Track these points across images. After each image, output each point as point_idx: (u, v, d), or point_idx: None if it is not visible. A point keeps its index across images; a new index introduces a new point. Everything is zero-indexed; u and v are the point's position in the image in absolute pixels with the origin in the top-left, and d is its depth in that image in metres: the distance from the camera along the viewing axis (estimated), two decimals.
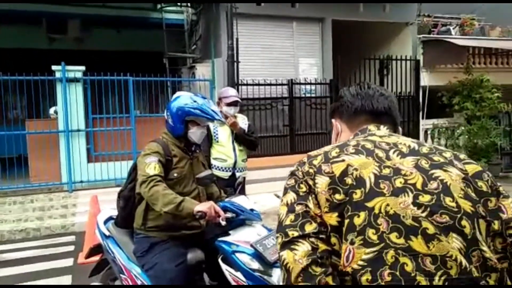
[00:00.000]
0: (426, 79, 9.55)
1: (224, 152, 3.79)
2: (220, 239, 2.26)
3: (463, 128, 9.02)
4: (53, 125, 6.89)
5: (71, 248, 5.28)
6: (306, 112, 8.46)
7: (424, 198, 0.93)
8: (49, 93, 6.89)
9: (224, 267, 2.20)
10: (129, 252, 2.48)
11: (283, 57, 8.57)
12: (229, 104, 3.84)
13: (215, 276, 2.38)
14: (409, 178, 0.96)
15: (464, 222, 0.91)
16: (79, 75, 6.92)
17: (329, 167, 1.00)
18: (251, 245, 2.16)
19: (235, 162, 3.81)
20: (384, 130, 1.13)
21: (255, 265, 2.12)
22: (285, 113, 8.34)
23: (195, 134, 2.49)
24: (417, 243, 0.88)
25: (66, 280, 4.18)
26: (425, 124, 9.61)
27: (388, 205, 0.92)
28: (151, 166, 2.27)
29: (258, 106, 8.07)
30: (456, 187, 0.95)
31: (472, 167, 1.01)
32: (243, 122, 3.96)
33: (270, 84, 8.10)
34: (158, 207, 2.17)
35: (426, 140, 9.59)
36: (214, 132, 3.80)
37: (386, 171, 0.98)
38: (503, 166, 9.38)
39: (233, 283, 2.14)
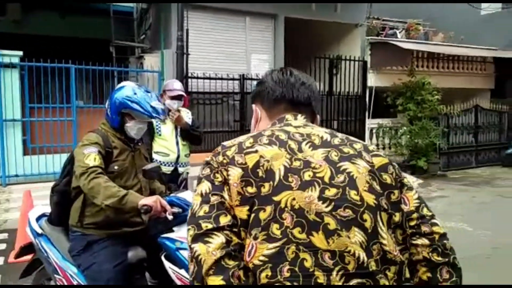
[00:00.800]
0: (373, 80, 9.88)
1: (167, 146, 3.67)
2: (163, 235, 2.13)
3: (405, 128, 9.44)
4: None
5: (2, 246, 4.92)
6: None
7: (330, 192, 0.93)
8: None
9: (167, 264, 2.10)
10: (64, 251, 2.31)
11: (235, 51, 8.49)
12: (173, 98, 3.73)
13: (158, 274, 2.26)
14: (318, 171, 0.96)
15: (365, 216, 0.92)
16: (15, 60, 6.43)
17: (243, 158, 0.97)
18: None
19: (178, 157, 3.71)
20: (300, 120, 1.11)
21: None
22: (236, 108, 8.28)
23: (132, 128, 2.34)
24: (318, 239, 0.88)
25: None
26: (370, 123, 9.95)
27: (294, 199, 0.91)
28: (90, 157, 2.12)
29: (209, 100, 7.95)
30: (362, 180, 0.96)
31: (379, 160, 1.03)
32: (187, 116, 3.87)
33: (221, 79, 8.00)
34: (99, 201, 2.03)
35: (371, 139, 9.96)
36: (157, 125, 3.66)
37: (296, 164, 0.96)
38: (441, 165, 9.95)
39: (177, 281, 2.04)
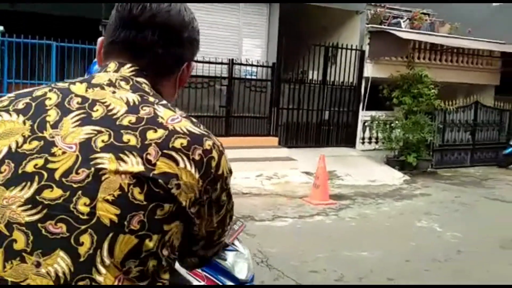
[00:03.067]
0: (369, 70, 9.60)
1: None
2: None
3: (397, 122, 9.19)
4: None
5: None
6: (245, 94, 8.31)
7: (52, 194, 0.66)
8: None
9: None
10: None
11: (226, 35, 8.32)
12: None
13: None
14: (55, 160, 0.68)
15: (85, 238, 0.65)
16: None
17: None
18: None
19: None
20: (118, 73, 0.79)
21: None
22: (222, 93, 8.15)
23: None
24: None
25: None
26: (364, 115, 9.72)
27: None
28: None
29: (194, 84, 7.82)
30: (114, 184, 0.67)
31: (167, 165, 0.69)
32: None
33: (209, 62, 7.84)
34: None
35: (364, 132, 9.74)
36: None
37: (30, 146, 0.69)
38: (434, 162, 9.69)
39: (181, 268, 1.86)
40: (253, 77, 8.46)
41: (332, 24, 10.03)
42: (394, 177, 8.34)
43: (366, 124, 9.75)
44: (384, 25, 10.25)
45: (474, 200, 6.70)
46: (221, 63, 8.00)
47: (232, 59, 8.08)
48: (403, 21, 10.76)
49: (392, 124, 9.33)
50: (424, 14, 11.76)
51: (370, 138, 9.82)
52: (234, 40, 8.41)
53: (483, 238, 4.53)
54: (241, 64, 8.20)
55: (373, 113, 9.77)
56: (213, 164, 0.75)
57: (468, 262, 3.94)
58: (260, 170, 7.63)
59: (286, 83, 8.94)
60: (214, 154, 0.76)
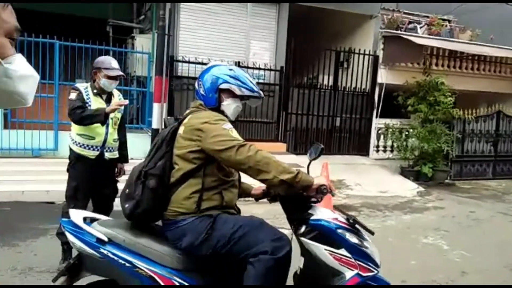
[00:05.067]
0: (383, 76, 9.22)
1: (93, 128, 3.37)
2: (313, 217, 2.03)
3: (411, 130, 8.75)
4: None
5: None
6: None
7: None
8: None
9: (321, 247, 1.98)
10: (158, 254, 1.95)
11: (234, 37, 8.12)
12: (111, 78, 3.43)
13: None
14: None
15: None
16: None
17: None
18: (353, 220, 2.03)
19: (105, 141, 3.41)
20: None
21: (355, 239, 2.01)
22: None
23: (229, 107, 2.12)
24: None
25: None
26: (378, 123, 9.32)
27: None
28: (235, 132, 1.95)
29: None
30: None
31: None
32: (119, 98, 3.57)
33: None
34: (271, 175, 1.83)
35: (378, 140, 9.33)
36: (87, 102, 3.38)
37: None
38: (452, 173, 9.18)
39: (334, 261, 1.98)
40: (261, 81, 8.21)
41: (345, 28, 9.72)
42: (407, 188, 7.89)
43: (380, 131, 9.35)
44: (401, 31, 9.87)
45: (490, 216, 6.20)
46: None
47: (239, 62, 7.86)
48: (420, 27, 10.33)
49: (407, 133, 8.90)
50: (444, 20, 11.31)
51: (384, 147, 9.41)
52: (242, 43, 8.20)
53: (491, 259, 4.10)
54: (247, 67, 7.96)
55: (388, 120, 9.37)
56: None
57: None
58: None
59: (296, 88, 8.67)
60: None
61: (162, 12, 6.14)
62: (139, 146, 6.98)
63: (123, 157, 3.66)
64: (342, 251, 1.99)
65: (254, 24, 8.25)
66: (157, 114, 6.15)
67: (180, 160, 1.98)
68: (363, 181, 7.93)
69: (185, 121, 2.04)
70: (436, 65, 9.65)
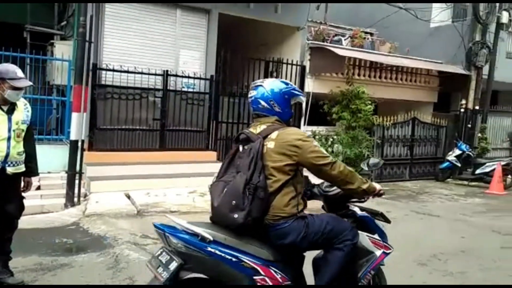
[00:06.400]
0: (310, 86, 9.63)
1: None
2: (358, 213, 2.76)
3: (336, 136, 9.23)
4: None
5: None
6: (181, 107, 8.02)
7: None
8: None
9: (364, 233, 2.67)
10: (256, 249, 2.31)
11: (162, 45, 8.02)
12: (17, 88, 3.24)
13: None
14: None
15: None
16: None
17: None
18: (381, 213, 2.90)
19: (7, 155, 3.21)
20: None
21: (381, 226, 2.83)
22: (156, 106, 7.82)
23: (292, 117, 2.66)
24: None
25: None
26: (306, 130, 9.68)
27: None
28: (323, 149, 2.40)
29: (125, 95, 7.45)
30: None
31: None
32: (25, 109, 3.38)
33: (141, 73, 7.51)
34: (355, 185, 2.37)
35: None
36: None
37: None
38: (373, 176, 9.76)
39: (370, 243, 2.67)
40: (191, 90, 8.20)
41: (274, 39, 10.03)
42: None
43: None
44: (327, 42, 10.39)
45: (404, 215, 6.72)
46: (155, 74, 7.70)
47: (167, 71, 7.79)
48: (345, 39, 10.98)
49: (332, 139, 9.36)
50: (366, 33, 12.10)
51: None
52: (171, 51, 8.13)
53: (403, 254, 4.45)
54: (176, 75, 7.92)
55: (315, 128, 9.78)
56: None
57: None
58: (194, 187, 7.32)
59: (226, 97, 8.76)
60: None
61: (82, 18, 5.92)
62: (58, 158, 6.69)
63: (31, 171, 3.47)
64: (376, 236, 2.73)
65: (183, 33, 8.23)
66: (76, 124, 5.90)
67: (276, 172, 2.32)
68: None
69: (273, 136, 2.36)
70: (358, 75, 10.28)
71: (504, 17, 11.23)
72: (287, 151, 2.31)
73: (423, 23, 11.77)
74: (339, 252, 2.40)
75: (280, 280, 2.31)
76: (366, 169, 3.03)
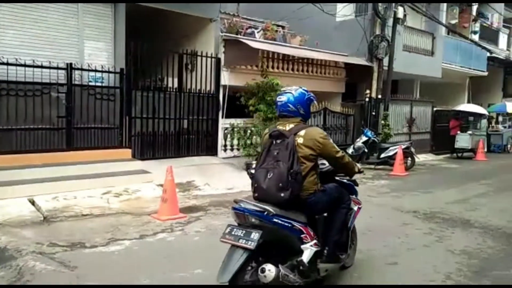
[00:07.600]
0: (226, 78, 9.63)
1: None
2: (347, 181, 3.83)
3: (253, 128, 9.37)
4: None
5: None
6: (89, 103, 7.50)
7: None
8: None
9: None
10: (296, 216, 3.12)
11: (63, 36, 7.39)
12: None
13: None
14: None
15: None
16: None
17: None
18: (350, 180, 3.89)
19: None
20: None
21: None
22: (61, 102, 7.21)
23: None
24: None
25: None
26: (224, 123, 9.70)
27: None
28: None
29: (23, 91, 6.75)
30: None
31: None
32: None
33: (40, 67, 6.85)
34: (355, 168, 3.49)
35: (225, 139, 9.71)
36: None
37: None
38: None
39: (353, 203, 3.80)
40: (99, 84, 7.69)
41: (188, 30, 9.83)
42: (251, 183, 8.40)
43: (226, 131, 9.74)
44: (241, 35, 10.45)
45: None
46: (57, 68, 7.07)
47: (71, 64, 7.21)
48: (257, 32, 11.14)
49: (250, 131, 9.48)
50: (278, 26, 12.41)
51: (231, 146, 9.84)
52: (73, 43, 7.53)
53: None
54: (82, 69, 7.37)
55: (233, 120, 9.83)
56: None
57: None
58: (108, 187, 6.93)
59: (139, 91, 8.38)
60: None
61: None
62: None
63: None
64: (354, 196, 3.86)
65: (86, 23, 7.66)
66: None
67: (305, 160, 3.12)
68: (211, 180, 8.16)
69: (301, 133, 3.13)
70: (272, 67, 10.52)
71: (400, 12, 12.28)
72: (313, 145, 3.13)
73: (331, 17, 12.37)
74: (343, 210, 3.46)
75: (313, 235, 3.17)
76: (353, 151, 3.54)
